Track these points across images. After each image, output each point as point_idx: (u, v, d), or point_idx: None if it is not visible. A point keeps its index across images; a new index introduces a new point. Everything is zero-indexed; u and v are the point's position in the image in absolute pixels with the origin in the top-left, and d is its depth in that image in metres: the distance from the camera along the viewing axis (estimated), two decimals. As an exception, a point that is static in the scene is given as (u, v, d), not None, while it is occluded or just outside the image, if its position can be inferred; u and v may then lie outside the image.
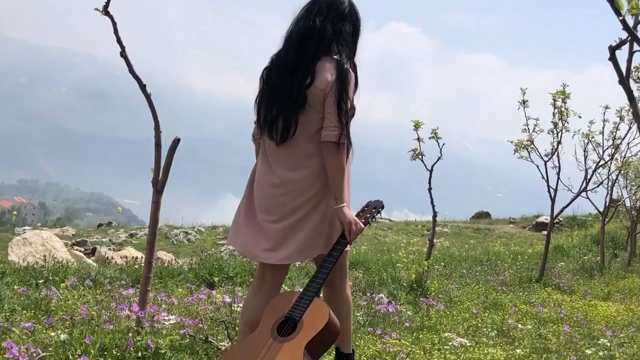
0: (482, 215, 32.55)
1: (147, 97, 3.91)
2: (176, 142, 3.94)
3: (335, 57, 3.42)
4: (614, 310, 7.68)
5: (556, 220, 25.75)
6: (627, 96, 2.81)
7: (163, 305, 4.73)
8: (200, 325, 4.09)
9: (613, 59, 2.73)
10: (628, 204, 15.09)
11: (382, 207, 3.79)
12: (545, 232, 23.12)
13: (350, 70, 3.41)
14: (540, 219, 25.86)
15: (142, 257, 8.44)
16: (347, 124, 3.34)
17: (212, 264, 7.29)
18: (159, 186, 3.97)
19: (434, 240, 8.37)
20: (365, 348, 4.55)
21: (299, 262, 6.05)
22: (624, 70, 2.79)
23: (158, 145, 3.96)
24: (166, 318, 4.04)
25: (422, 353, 4.67)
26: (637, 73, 3.15)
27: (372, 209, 3.71)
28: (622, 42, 2.72)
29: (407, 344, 4.78)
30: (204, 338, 4.06)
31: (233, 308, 4.59)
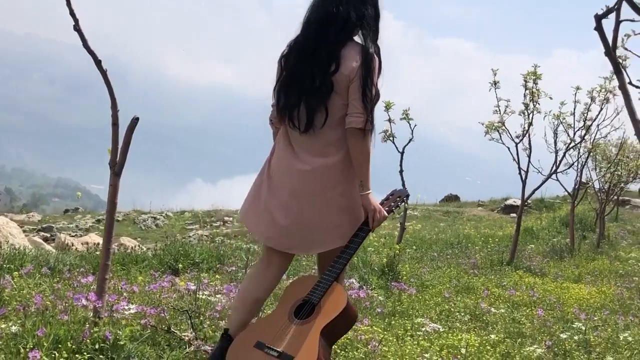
0: (452, 199, 32.64)
1: (103, 73, 3.67)
2: (134, 121, 3.71)
3: (359, 42, 3.34)
4: (586, 293, 7.63)
5: (524, 203, 25.97)
6: (614, 68, 2.65)
7: (124, 294, 4.50)
8: (163, 314, 3.88)
9: (599, 28, 2.57)
10: (597, 186, 15.12)
11: (408, 196, 3.82)
12: (513, 215, 23.24)
13: (375, 55, 3.33)
14: (509, 202, 25.93)
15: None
16: (372, 110, 3.29)
17: (178, 249, 7.04)
18: (116, 168, 3.74)
19: (405, 224, 8.24)
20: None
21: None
22: (610, 40, 2.64)
23: (115, 124, 3.73)
24: (126, 307, 3.81)
25: (395, 340, 4.51)
26: (625, 40, 2.97)
27: (396, 198, 3.68)
28: (608, 10, 2.56)
29: (380, 330, 4.61)
30: (166, 328, 3.85)
31: (198, 296, 4.38)
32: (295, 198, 3.36)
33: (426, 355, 4.18)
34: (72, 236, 25.90)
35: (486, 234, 14.89)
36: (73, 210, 34.56)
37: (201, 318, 4.03)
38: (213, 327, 3.99)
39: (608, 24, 2.50)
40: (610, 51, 2.53)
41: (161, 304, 4.27)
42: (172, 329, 3.87)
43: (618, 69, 2.53)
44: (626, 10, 2.48)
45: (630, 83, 2.79)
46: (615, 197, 16.39)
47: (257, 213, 3.47)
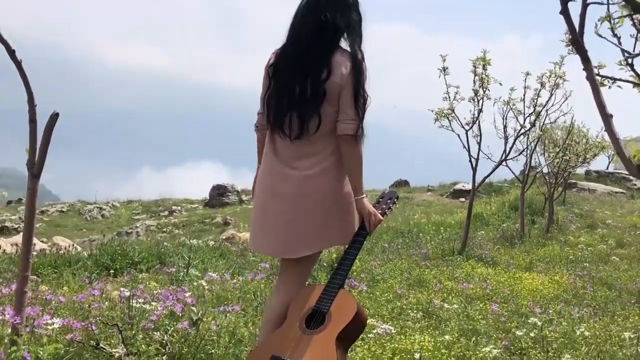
0: (401, 184, 32.69)
1: (18, 64, 3.30)
2: (54, 118, 3.34)
3: (346, 48, 3.35)
4: (539, 283, 7.51)
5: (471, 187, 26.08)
6: (581, 56, 2.39)
7: (51, 304, 4.12)
8: (91, 328, 3.53)
9: (565, 12, 2.31)
10: (545, 170, 15.12)
11: (397, 198, 3.85)
12: (463, 199, 23.31)
13: (363, 60, 3.34)
14: (458, 187, 26.01)
15: (34, 245, 7.69)
16: (363, 116, 3.31)
17: (115, 249, 6.61)
18: (35, 169, 3.37)
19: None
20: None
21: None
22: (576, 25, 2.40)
23: (33, 121, 3.36)
24: (49, 322, 3.46)
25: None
26: (599, 25, 2.72)
27: (387, 200, 3.72)
28: (575, -7, 2.31)
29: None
30: (94, 344, 3.51)
31: (131, 304, 4.03)
32: (285, 205, 3.36)
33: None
34: (14, 228, 25.19)
35: (437, 221, 14.77)
36: (16, 202, 33.63)
37: (134, 330, 3.69)
38: (147, 339, 3.66)
39: (574, 7, 2.25)
40: (577, 38, 2.28)
41: (91, 315, 3.92)
42: (101, 345, 3.52)
43: (586, 57, 2.28)
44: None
45: (598, 74, 2.55)
46: (563, 180, 16.42)
47: (257, 232, 3.52)
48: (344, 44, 3.36)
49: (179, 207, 31.01)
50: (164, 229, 26.57)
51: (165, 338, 3.70)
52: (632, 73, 2.94)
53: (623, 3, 2.34)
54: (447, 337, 4.74)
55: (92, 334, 3.54)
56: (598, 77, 2.89)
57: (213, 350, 3.79)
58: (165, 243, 9.09)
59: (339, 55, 3.30)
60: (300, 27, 3.36)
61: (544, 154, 14.62)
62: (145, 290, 4.90)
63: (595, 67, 2.87)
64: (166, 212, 30.27)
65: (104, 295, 4.20)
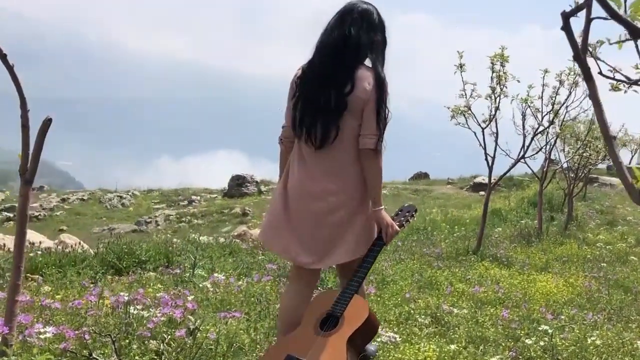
0: (421, 176, 32.55)
1: (10, 69, 3.21)
2: (47, 123, 3.26)
3: (370, 66, 3.54)
4: (553, 286, 7.35)
5: (493, 181, 25.83)
6: (584, 75, 2.26)
7: (47, 311, 4.05)
8: (84, 337, 3.46)
9: (567, 28, 2.18)
10: (565, 166, 14.89)
11: (415, 211, 4.09)
12: (482, 193, 23.09)
13: (384, 78, 3.53)
14: (477, 180, 25.84)
15: (40, 243, 7.65)
16: (383, 131, 3.51)
17: (122, 247, 6.54)
18: (27, 175, 3.30)
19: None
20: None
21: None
22: (579, 41, 2.27)
23: (25, 126, 3.29)
24: (42, 330, 3.40)
25: (346, 356, 4.14)
26: (597, 47, 2.57)
27: (405, 213, 3.96)
28: (578, 8, 2.17)
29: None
30: (87, 354, 3.44)
31: (130, 310, 3.96)
32: (313, 216, 3.58)
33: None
34: (35, 216, 25.30)
35: (453, 219, 14.56)
36: (38, 189, 33.82)
37: (129, 339, 3.62)
38: (142, 348, 3.59)
39: (577, 23, 2.12)
40: (579, 54, 2.15)
41: (86, 323, 3.85)
42: (94, 355, 3.45)
43: (589, 75, 2.15)
44: (598, 8, 2.10)
45: (600, 73, 2.42)
46: (584, 176, 16.17)
47: (280, 234, 3.68)
48: (367, 61, 3.56)
49: (198, 197, 31.04)
50: (183, 219, 26.60)
51: (162, 347, 3.62)
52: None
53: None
54: (452, 346, 4.62)
55: (86, 343, 3.47)
56: (613, 82, 2.76)
57: (210, 360, 3.71)
58: (175, 240, 9.01)
59: (362, 70, 3.50)
60: (326, 42, 3.56)
61: (563, 149, 14.40)
62: (146, 294, 4.83)
63: (610, 71, 2.73)
64: (185, 202, 30.31)
65: (101, 301, 4.12)
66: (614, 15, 1.73)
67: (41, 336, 3.38)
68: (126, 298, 4.23)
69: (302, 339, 3.40)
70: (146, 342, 3.64)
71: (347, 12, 3.58)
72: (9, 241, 9.30)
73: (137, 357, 3.44)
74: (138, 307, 4.01)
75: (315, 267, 3.69)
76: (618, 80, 3.00)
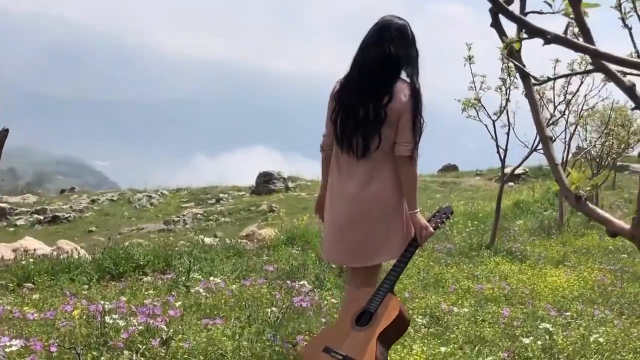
0: (449, 168, 32.29)
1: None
2: (4, 134, 3.22)
3: (406, 79, 3.78)
4: (564, 281, 7.17)
5: (522, 171, 25.50)
6: (519, 72, 2.15)
7: (21, 322, 4.00)
8: (51, 350, 3.41)
9: (496, 24, 2.06)
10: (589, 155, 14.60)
11: (452, 213, 4.29)
12: (511, 184, 22.76)
13: (419, 90, 3.78)
14: (507, 170, 25.45)
15: (34, 250, 7.61)
16: (419, 140, 3.77)
17: (119, 252, 6.47)
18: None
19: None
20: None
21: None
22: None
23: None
24: (7, 343, 3.36)
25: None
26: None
27: (442, 215, 4.17)
28: (507, 2, 2.05)
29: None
30: (54, 367, 3.40)
31: (107, 320, 3.90)
32: (355, 218, 3.84)
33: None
34: (65, 218, 25.56)
35: (470, 212, 14.29)
36: (69, 190, 34.18)
37: (100, 350, 3.57)
38: (114, 360, 3.54)
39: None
40: (513, 51, 2.04)
41: (60, 334, 3.80)
42: (62, 368, 3.41)
43: (523, 73, 2.04)
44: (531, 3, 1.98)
45: (534, 83, 2.30)
46: (610, 164, 15.81)
47: (330, 244, 4.04)
48: (403, 75, 3.79)
49: (226, 195, 31.11)
50: (210, 217, 26.69)
51: (134, 358, 3.57)
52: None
53: None
54: (442, 349, 4.50)
55: (52, 356, 3.42)
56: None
57: (185, 370, 3.65)
58: (180, 242, 8.97)
59: (399, 83, 3.74)
60: (364, 58, 3.79)
61: (586, 139, 14.12)
62: (136, 300, 4.79)
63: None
64: (213, 200, 30.41)
65: (77, 311, 4.08)
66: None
67: (7, 349, 3.34)
68: (107, 307, 4.18)
69: (340, 333, 3.69)
70: (119, 353, 3.59)
71: (384, 29, 3.79)
72: (35, 244, 9.37)
73: (106, 369, 3.38)
74: (115, 316, 3.95)
75: (363, 265, 3.96)
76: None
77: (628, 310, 6.30)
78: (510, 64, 8.76)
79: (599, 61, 1.70)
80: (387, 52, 3.73)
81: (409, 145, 3.71)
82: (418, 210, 3.88)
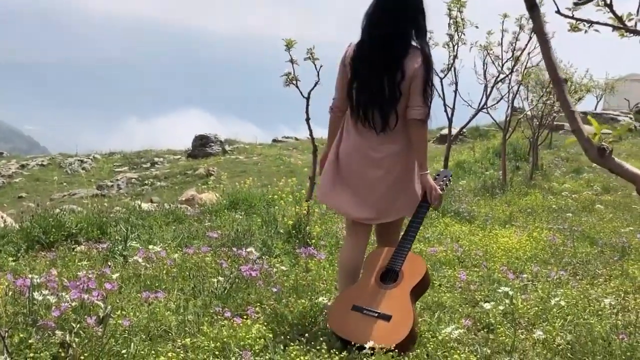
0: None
1: None
2: None
3: (417, 45, 3.87)
4: (515, 242, 7.01)
5: (459, 132, 25.63)
6: (526, 4, 1.83)
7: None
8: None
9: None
10: (529, 114, 14.56)
11: (451, 176, 4.56)
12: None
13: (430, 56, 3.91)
14: (444, 132, 25.49)
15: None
16: (430, 104, 3.92)
17: (49, 220, 5.95)
18: None
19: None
20: (205, 343, 3.52)
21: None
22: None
23: None
24: None
25: (282, 338, 3.73)
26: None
27: (443, 177, 4.31)
28: None
29: (264, 329, 3.78)
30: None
31: (35, 296, 3.47)
32: (370, 179, 4.00)
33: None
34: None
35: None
36: (-6, 153, 32.91)
37: (29, 330, 3.16)
38: (44, 341, 3.14)
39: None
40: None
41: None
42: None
43: (532, 3, 1.71)
44: None
45: (557, 12, 1.98)
46: (548, 123, 15.84)
47: (338, 193, 4.12)
48: (414, 42, 3.88)
49: (162, 159, 30.45)
50: (146, 182, 26.05)
51: (68, 339, 3.18)
52: (611, 15, 2.37)
53: None
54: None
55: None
56: (572, 21, 2.31)
57: (125, 350, 3.27)
58: (115, 208, 8.49)
59: (411, 53, 3.83)
60: (376, 28, 3.85)
61: (527, 98, 14.05)
62: (64, 273, 4.38)
63: (569, 9, 2.28)
64: (148, 164, 29.70)
65: (6, 285, 3.64)
66: None
67: None
68: (36, 281, 3.76)
69: (366, 291, 3.82)
70: (50, 333, 3.19)
71: (398, 7, 3.84)
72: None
73: (33, 354, 2.98)
74: (45, 291, 3.53)
75: (375, 222, 4.17)
76: (578, 20, 2.57)
77: (582, 271, 6.17)
78: (458, 19, 8.51)
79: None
80: (397, 27, 3.83)
81: (420, 109, 3.83)
82: (428, 171, 4.03)
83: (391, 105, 3.86)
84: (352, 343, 3.57)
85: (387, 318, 3.64)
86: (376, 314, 3.66)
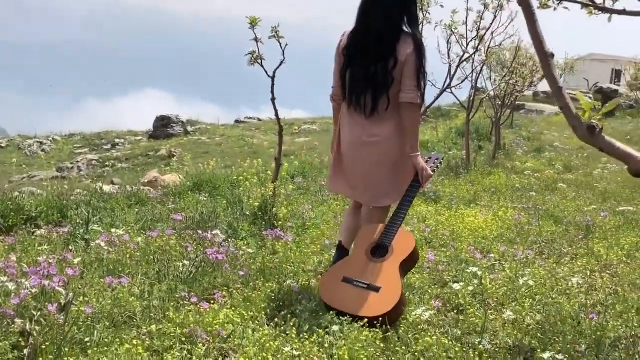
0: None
1: None
2: None
3: (409, 30, 4.01)
4: (481, 221, 7.01)
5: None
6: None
7: None
8: None
9: None
10: (492, 94, 14.61)
11: (443, 159, 4.91)
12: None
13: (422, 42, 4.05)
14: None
15: None
16: (424, 89, 4.09)
17: (7, 203, 5.73)
18: None
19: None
20: (172, 329, 3.42)
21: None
22: None
23: None
24: None
25: (251, 323, 3.65)
26: None
27: (435, 160, 4.52)
28: None
29: (232, 314, 3.70)
30: None
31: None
32: (366, 161, 4.19)
33: (287, 348, 3.32)
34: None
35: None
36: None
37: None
38: (3, 330, 3.02)
39: None
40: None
41: None
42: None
43: (516, -26, 1.64)
44: None
45: None
46: (510, 103, 15.94)
47: (340, 179, 4.43)
48: (405, 28, 4.01)
49: (123, 140, 30.08)
50: (107, 163, 25.70)
51: (28, 327, 3.06)
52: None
53: None
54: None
55: None
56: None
57: (88, 338, 3.17)
58: (76, 190, 8.29)
59: (402, 41, 3.95)
60: (368, 17, 4.01)
61: (490, 78, 14.09)
62: (24, 258, 4.24)
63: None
64: (109, 146, 29.31)
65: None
66: None
67: None
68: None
69: (356, 264, 4.01)
70: (9, 322, 3.07)
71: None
72: None
73: (-7, 344, 2.86)
74: (3, 278, 3.40)
75: (373, 205, 4.38)
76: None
77: (548, 250, 6.19)
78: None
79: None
80: (390, 17, 3.95)
81: (412, 93, 3.96)
82: (419, 153, 4.16)
83: (383, 90, 3.99)
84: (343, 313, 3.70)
85: (376, 289, 3.81)
86: (366, 286, 3.83)
